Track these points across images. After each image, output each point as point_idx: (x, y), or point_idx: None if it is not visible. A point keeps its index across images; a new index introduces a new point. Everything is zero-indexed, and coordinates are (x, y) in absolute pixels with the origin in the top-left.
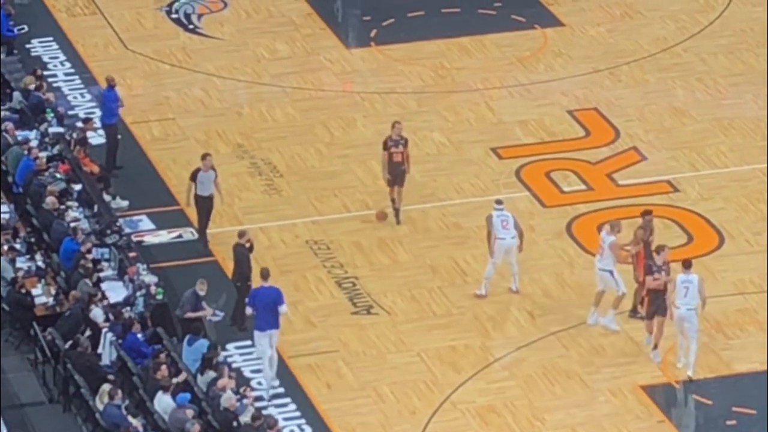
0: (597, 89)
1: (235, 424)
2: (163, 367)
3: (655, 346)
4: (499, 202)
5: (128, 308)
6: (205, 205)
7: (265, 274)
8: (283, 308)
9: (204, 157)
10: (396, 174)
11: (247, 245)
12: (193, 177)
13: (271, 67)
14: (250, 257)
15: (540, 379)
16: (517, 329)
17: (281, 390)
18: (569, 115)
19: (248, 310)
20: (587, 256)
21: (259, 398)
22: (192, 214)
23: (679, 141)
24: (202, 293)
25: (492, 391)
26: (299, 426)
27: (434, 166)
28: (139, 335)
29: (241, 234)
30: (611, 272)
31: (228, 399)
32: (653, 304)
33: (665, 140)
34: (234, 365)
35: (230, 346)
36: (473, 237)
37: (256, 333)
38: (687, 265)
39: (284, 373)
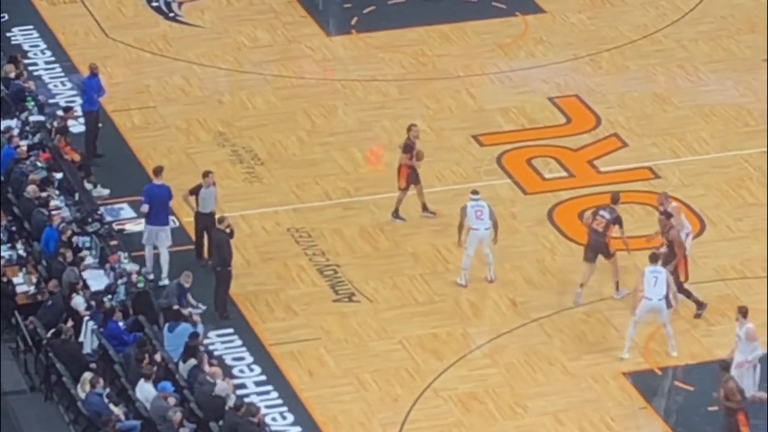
0: (578, 76)
1: (227, 408)
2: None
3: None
4: (475, 192)
5: (109, 296)
6: (205, 222)
7: (157, 171)
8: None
9: (206, 174)
10: (416, 173)
11: (228, 231)
12: (194, 192)
13: (252, 54)
14: (230, 243)
15: (522, 366)
16: (499, 316)
17: (263, 377)
18: (550, 102)
19: (144, 207)
20: (569, 242)
21: (240, 386)
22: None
23: (660, 127)
24: (186, 285)
25: (474, 378)
26: (281, 413)
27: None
28: (121, 323)
29: (221, 220)
30: None
31: (224, 388)
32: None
33: (646, 127)
34: (215, 353)
35: (211, 333)
36: (454, 224)
37: (146, 227)
38: (654, 258)
39: (266, 361)
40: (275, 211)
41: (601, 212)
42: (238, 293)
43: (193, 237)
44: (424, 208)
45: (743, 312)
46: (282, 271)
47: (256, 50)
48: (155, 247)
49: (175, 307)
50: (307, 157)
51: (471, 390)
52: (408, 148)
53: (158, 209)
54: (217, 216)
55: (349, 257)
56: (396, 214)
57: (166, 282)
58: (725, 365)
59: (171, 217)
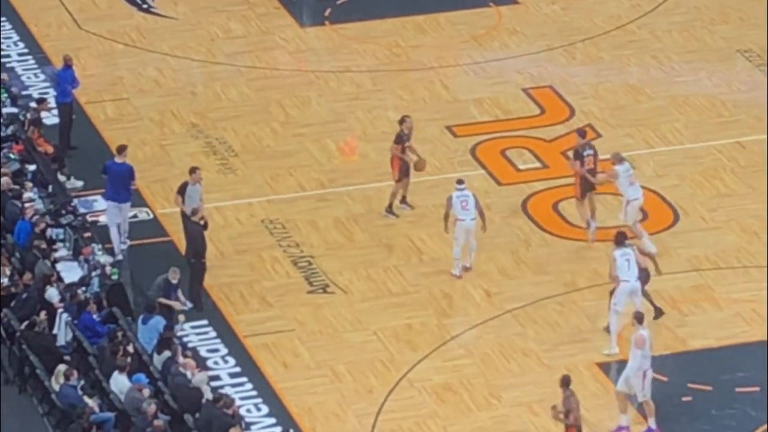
0: (552, 67)
1: (204, 401)
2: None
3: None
4: (460, 182)
5: (83, 288)
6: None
7: (120, 150)
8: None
9: (193, 170)
10: (407, 166)
11: (202, 222)
12: (181, 191)
13: (226, 46)
14: (204, 235)
15: (496, 357)
16: (474, 307)
17: (238, 369)
18: (524, 93)
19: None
20: (543, 233)
21: (215, 377)
22: (150, 197)
23: (634, 118)
24: (174, 281)
25: (448, 369)
26: (255, 405)
27: (389, 144)
28: (95, 315)
29: (193, 212)
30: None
31: (201, 380)
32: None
33: (620, 117)
34: (190, 345)
35: (186, 325)
36: (429, 215)
37: (107, 203)
38: (620, 240)
39: (240, 353)
40: (249, 203)
41: (587, 152)
42: (212, 285)
43: (170, 232)
44: (403, 200)
45: (638, 318)
46: (256, 262)
47: (230, 41)
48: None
49: (165, 301)
50: (281, 148)
51: (446, 381)
52: (399, 139)
53: (118, 186)
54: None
55: (323, 248)
56: (389, 209)
57: (123, 247)
58: (567, 380)
59: (145, 209)
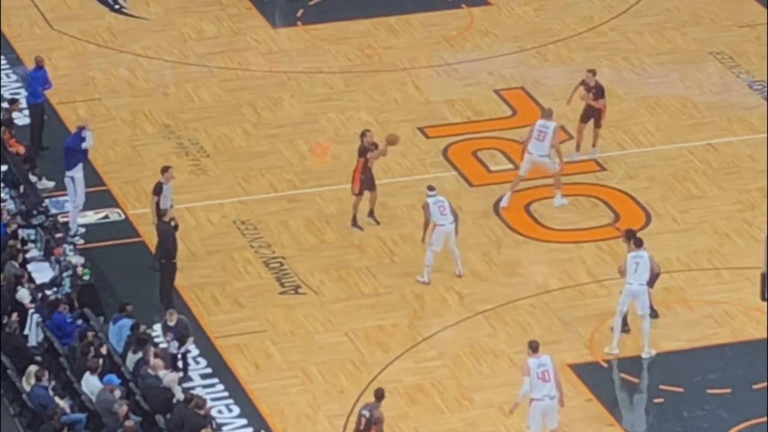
0: (523, 68)
1: (174, 401)
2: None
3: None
4: (431, 188)
5: (55, 289)
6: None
7: (81, 127)
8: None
9: (165, 169)
10: (371, 179)
11: (173, 224)
12: (157, 191)
13: (198, 47)
14: (175, 235)
15: (467, 358)
16: (445, 309)
17: (209, 370)
18: (496, 94)
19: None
20: (514, 235)
21: (186, 378)
22: (121, 198)
23: (606, 120)
24: (171, 324)
25: (420, 370)
26: (227, 406)
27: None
28: (67, 317)
29: (163, 212)
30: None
31: (172, 379)
32: None
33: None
34: (161, 345)
35: (157, 326)
36: (401, 216)
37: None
38: (638, 243)
39: (212, 354)
40: (221, 204)
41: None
42: (183, 285)
43: (141, 233)
44: (371, 213)
45: (532, 347)
46: (228, 263)
47: (202, 42)
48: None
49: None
50: (253, 149)
51: (417, 382)
52: (361, 152)
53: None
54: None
55: (295, 249)
56: (354, 222)
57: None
58: (380, 394)
59: (116, 210)
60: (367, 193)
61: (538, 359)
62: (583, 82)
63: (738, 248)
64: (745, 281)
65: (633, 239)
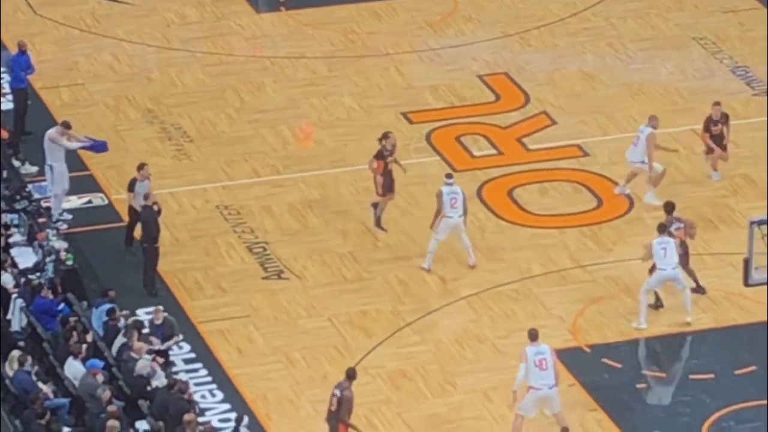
0: (507, 54)
1: (148, 389)
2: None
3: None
4: (449, 176)
5: (38, 274)
6: (136, 217)
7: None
8: None
9: (141, 167)
10: (391, 181)
11: (155, 208)
12: (131, 188)
13: (181, 32)
14: (158, 220)
15: (451, 343)
16: (428, 294)
17: (192, 355)
18: (479, 79)
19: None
20: (498, 220)
21: (170, 363)
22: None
23: (589, 105)
24: (158, 322)
25: (403, 355)
26: (210, 391)
27: (345, 131)
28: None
29: (146, 196)
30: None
31: (143, 367)
32: None
33: (575, 105)
34: (144, 331)
35: (140, 311)
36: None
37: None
38: (662, 228)
39: (195, 339)
40: (204, 189)
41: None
42: (166, 271)
43: (125, 218)
44: (378, 222)
45: (531, 335)
46: (211, 248)
47: (185, 27)
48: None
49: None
50: (236, 134)
51: (400, 367)
52: (380, 155)
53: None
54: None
55: (278, 234)
56: (377, 223)
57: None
58: (351, 372)
59: (100, 195)
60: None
61: (536, 347)
62: (710, 120)
63: (721, 234)
64: (728, 267)
65: (658, 225)
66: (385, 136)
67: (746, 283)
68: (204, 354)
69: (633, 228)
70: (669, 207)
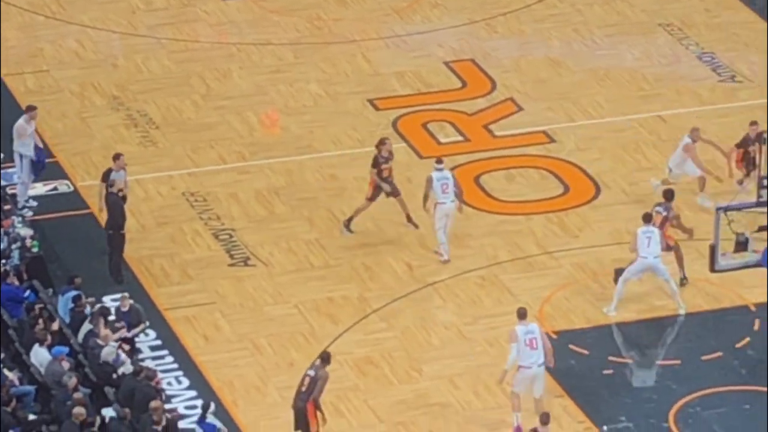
0: (473, 40)
1: (114, 376)
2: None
3: None
4: (439, 161)
5: (3, 261)
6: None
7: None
8: None
9: (117, 157)
10: (393, 186)
11: (120, 195)
12: (105, 178)
13: (147, 18)
14: (123, 206)
15: (417, 330)
16: (395, 280)
17: (158, 342)
18: (446, 66)
19: None
20: (465, 207)
21: (137, 351)
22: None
23: (555, 92)
24: (124, 309)
25: (370, 342)
26: (176, 378)
27: (311, 117)
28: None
29: (111, 183)
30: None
31: (109, 353)
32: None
33: (541, 91)
34: (110, 318)
35: (106, 298)
36: (350, 188)
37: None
38: (647, 218)
39: (161, 326)
40: (170, 176)
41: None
42: (133, 257)
43: (91, 205)
44: (408, 218)
45: (520, 314)
46: (177, 235)
47: (151, 13)
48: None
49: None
50: (202, 120)
51: (367, 354)
52: (375, 162)
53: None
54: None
55: (244, 221)
56: (347, 224)
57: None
58: (325, 356)
59: (65, 182)
60: (391, 199)
61: (526, 326)
62: (747, 139)
63: (687, 220)
64: (695, 253)
65: (643, 215)
66: (382, 142)
67: (712, 269)
68: (170, 341)
69: (599, 214)
70: (669, 194)
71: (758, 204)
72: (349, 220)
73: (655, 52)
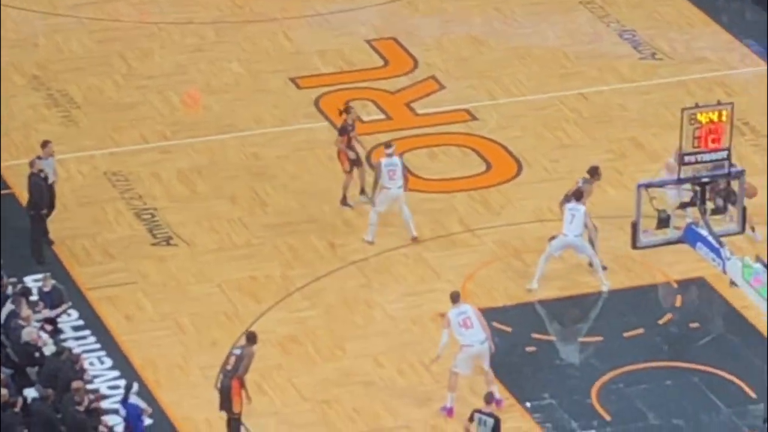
0: (395, 19)
1: (37, 355)
2: None
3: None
4: (388, 146)
5: None
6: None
7: None
8: None
9: (45, 144)
10: (357, 155)
11: (42, 175)
12: (32, 165)
13: None
14: (43, 187)
15: (341, 308)
16: (318, 259)
17: (81, 322)
18: (368, 44)
19: None
20: None
21: (59, 331)
22: None
23: (477, 70)
24: (46, 290)
25: (293, 320)
26: (99, 358)
27: (233, 96)
28: None
29: (32, 164)
30: None
31: (29, 333)
32: None
33: (463, 69)
34: (32, 298)
35: (28, 278)
36: (273, 167)
37: None
38: (578, 195)
39: (83, 306)
40: (91, 155)
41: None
42: (54, 237)
43: (11, 185)
44: (362, 191)
45: (453, 298)
46: (99, 215)
47: None
48: None
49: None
50: (124, 100)
51: (290, 333)
52: (343, 130)
53: None
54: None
55: (166, 201)
56: (344, 201)
57: None
58: (251, 336)
59: None
60: (354, 170)
61: (458, 308)
62: None
63: (609, 197)
64: (617, 230)
65: (574, 192)
66: (347, 110)
67: (634, 246)
68: (92, 321)
69: (521, 191)
70: (593, 170)
71: (680, 181)
72: (344, 197)
73: (576, 30)
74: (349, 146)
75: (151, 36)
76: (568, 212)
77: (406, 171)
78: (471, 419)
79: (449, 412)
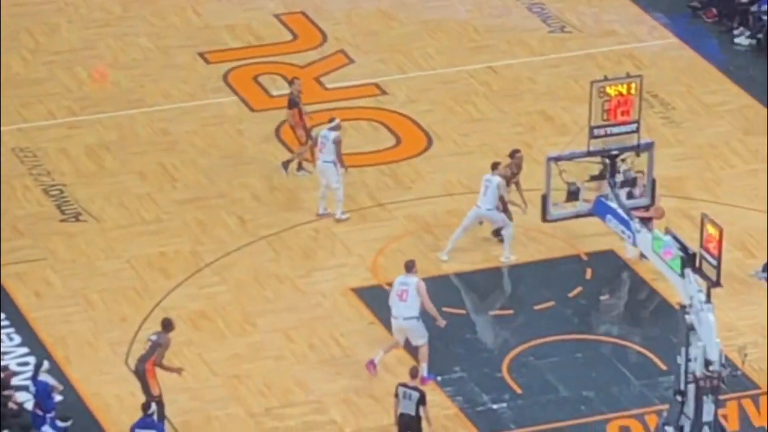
0: None
1: None
2: None
3: None
4: (331, 119)
5: None
6: None
7: None
8: None
9: None
10: (310, 129)
11: None
12: None
13: None
14: None
15: (251, 283)
16: (228, 234)
17: None
18: (276, 19)
19: None
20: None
21: None
22: None
23: (386, 44)
24: None
25: (203, 296)
26: (8, 335)
27: (141, 71)
28: None
29: None
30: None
31: None
32: None
33: (372, 43)
34: None
35: None
36: (182, 142)
37: None
38: (493, 166)
39: None
40: None
41: None
42: None
43: None
44: (300, 166)
45: (407, 266)
46: (7, 191)
47: None
48: None
49: None
50: (31, 76)
51: (200, 308)
52: (292, 103)
53: None
54: None
55: (74, 177)
56: (299, 167)
57: None
58: (167, 323)
59: None
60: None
61: (404, 278)
62: None
63: (522, 174)
64: (527, 203)
65: (492, 164)
66: (292, 82)
67: (544, 219)
68: (1, 298)
69: (431, 165)
70: (514, 151)
71: (589, 153)
72: (299, 164)
73: (485, 3)
74: (302, 116)
75: (58, 11)
76: (483, 183)
77: (339, 147)
78: (396, 394)
79: (371, 364)
